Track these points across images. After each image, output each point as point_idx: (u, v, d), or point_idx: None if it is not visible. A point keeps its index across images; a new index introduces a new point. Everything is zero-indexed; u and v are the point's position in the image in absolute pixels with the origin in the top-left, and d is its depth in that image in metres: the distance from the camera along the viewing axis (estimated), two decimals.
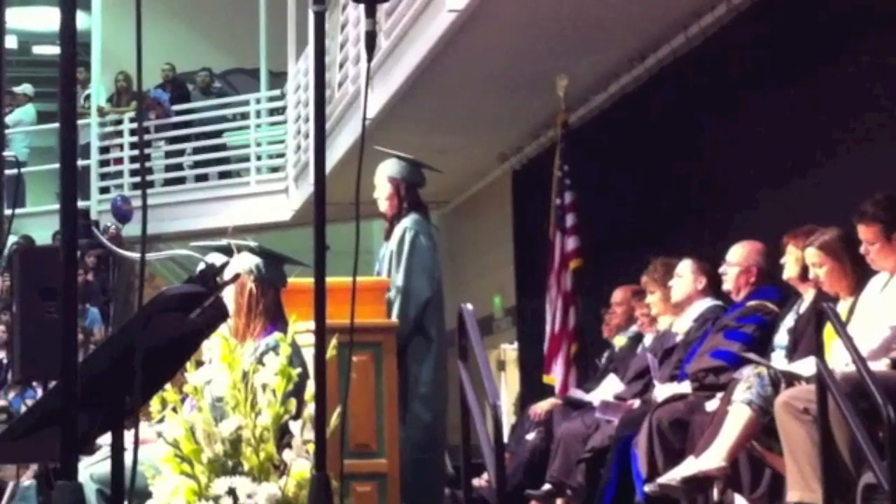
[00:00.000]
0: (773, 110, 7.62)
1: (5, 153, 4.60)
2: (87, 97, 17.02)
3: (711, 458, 5.47)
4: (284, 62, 14.89)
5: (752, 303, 6.27)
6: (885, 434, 4.65)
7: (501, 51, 8.91)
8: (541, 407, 8.18)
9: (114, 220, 15.29)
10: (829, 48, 7.09)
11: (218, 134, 16.64)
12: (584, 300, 8.74)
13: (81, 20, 16.74)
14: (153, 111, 16.37)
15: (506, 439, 7.23)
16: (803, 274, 5.82)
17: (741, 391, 5.43)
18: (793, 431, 5.05)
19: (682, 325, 6.85)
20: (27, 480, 10.10)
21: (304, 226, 13.21)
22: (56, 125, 2.61)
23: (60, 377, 2.57)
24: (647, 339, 7.50)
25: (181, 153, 16.84)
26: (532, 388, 10.30)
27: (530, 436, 8.22)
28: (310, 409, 4.39)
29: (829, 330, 5.12)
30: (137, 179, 16.11)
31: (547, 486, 7.30)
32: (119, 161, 16.81)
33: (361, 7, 4.82)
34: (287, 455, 4.58)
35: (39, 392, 9.37)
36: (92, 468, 4.81)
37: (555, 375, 8.70)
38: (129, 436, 2.89)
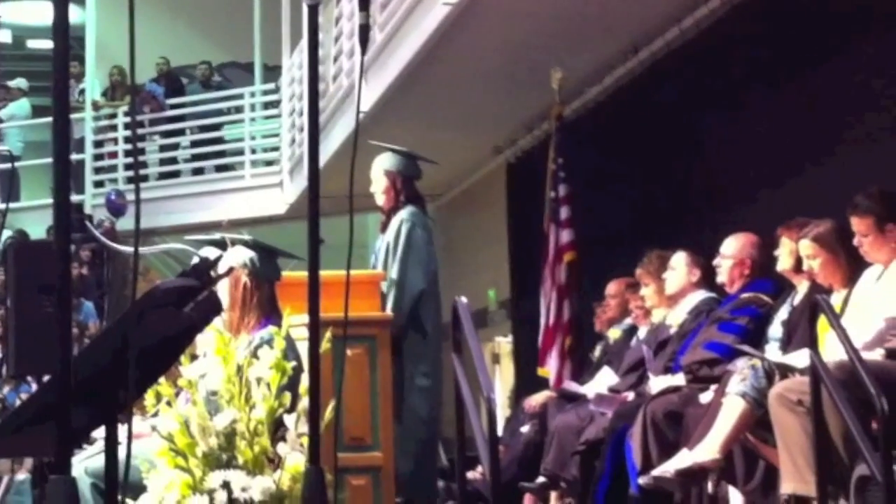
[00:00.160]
0: (770, 104, 7.61)
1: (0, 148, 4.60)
2: (82, 91, 17.00)
3: (705, 450, 5.47)
4: (279, 56, 14.87)
5: (746, 295, 6.28)
6: (878, 426, 4.66)
7: (496, 44, 8.90)
8: (535, 400, 8.18)
9: (108, 215, 15.27)
10: (824, 41, 7.08)
11: (213, 128, 16.63)
12: (579, 293, 8.74)
13: (75, 14, 16.73)
14: (148, 105, 16.36)
15: (500, 432, 7.24)
16: (797, 266, 5.82)
17: (735, 383, 5.43)
18: (787, 423, 5.06)
19: (676, 317, 6.85)
20: (22, 475, 10.11)
21: (298, 219, 13.17)
22: (50, 119, 2.61)
23: (55, 372, 2.57)
24: (642, 332, 7.50)
25: (175, 147, 16.83)
26: (526, 381, 10.30)
27: (525, 428, 8.23)
28: (304, 402, 4.39)
29: (822, 322, 5.12)
30: (132, 173, 16.08)
31: (541, 479, 7.30)
32: (113, 155, 16.81)
33: (355, 0, 4.82)
34: (281, 448, 4.59)
35: (34, 386, 9.36)
36: (86, 462, 4.81)
37: (549, 368, 8.70)
38: (123, 430, 2.90)
